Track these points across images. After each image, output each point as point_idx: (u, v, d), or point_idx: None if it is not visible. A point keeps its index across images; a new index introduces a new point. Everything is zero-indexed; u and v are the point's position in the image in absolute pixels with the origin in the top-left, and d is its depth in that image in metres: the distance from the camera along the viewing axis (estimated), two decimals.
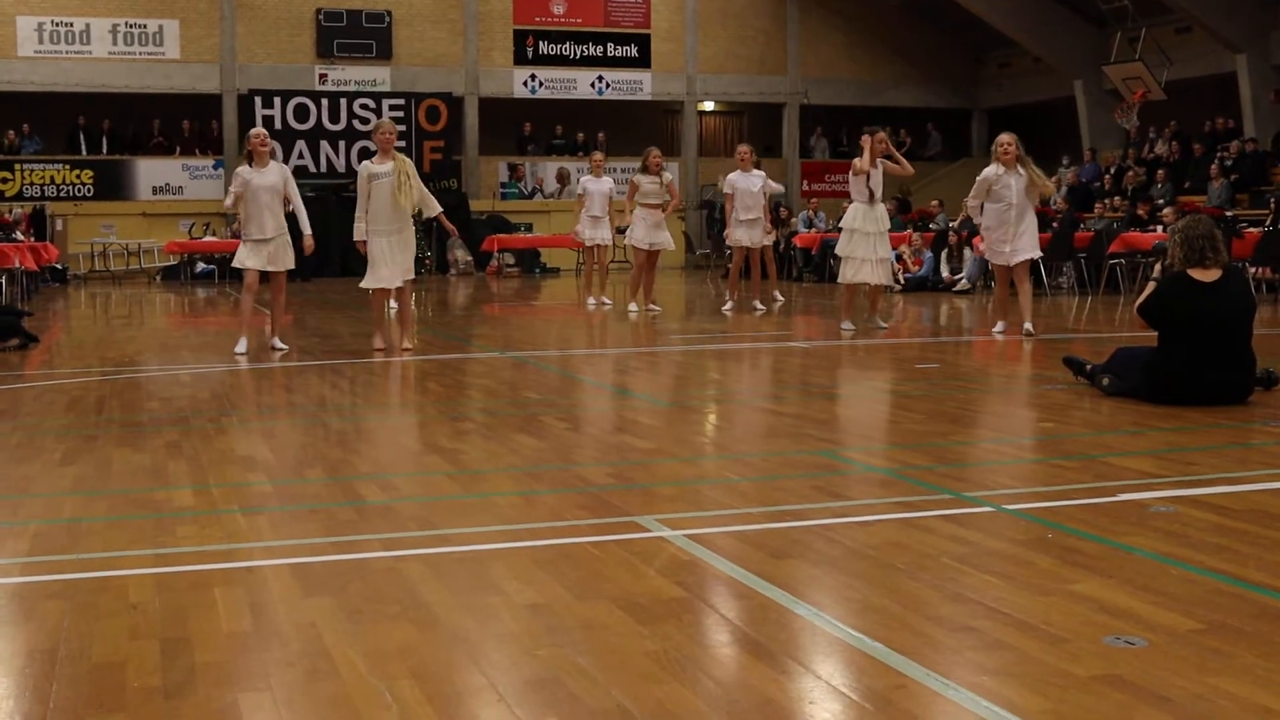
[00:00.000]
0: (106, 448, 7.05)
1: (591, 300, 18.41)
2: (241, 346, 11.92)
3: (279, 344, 12.14)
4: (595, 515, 5.30)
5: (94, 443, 7.24)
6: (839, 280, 14.10)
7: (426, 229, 23.15)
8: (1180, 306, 8.05)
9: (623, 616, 3.93)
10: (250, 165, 12.10)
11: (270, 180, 11.96)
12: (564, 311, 18.71)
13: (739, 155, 17.21)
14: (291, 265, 12.22)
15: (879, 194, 13.73)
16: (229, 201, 12.32)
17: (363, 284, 12.15)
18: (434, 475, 6.26)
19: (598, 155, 19.20)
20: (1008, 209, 12.87)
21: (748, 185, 17.04)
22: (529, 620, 3.92)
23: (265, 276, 12.24)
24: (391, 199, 11.74)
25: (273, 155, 12.26)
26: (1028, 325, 12.96)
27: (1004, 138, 13.07)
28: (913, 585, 4.23)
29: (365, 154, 30.81)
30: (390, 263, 11.89)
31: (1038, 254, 13.45)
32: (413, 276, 12.26)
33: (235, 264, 12.22)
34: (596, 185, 18.41)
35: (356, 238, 11.91)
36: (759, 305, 17.41)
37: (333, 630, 3.83)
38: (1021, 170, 12.91)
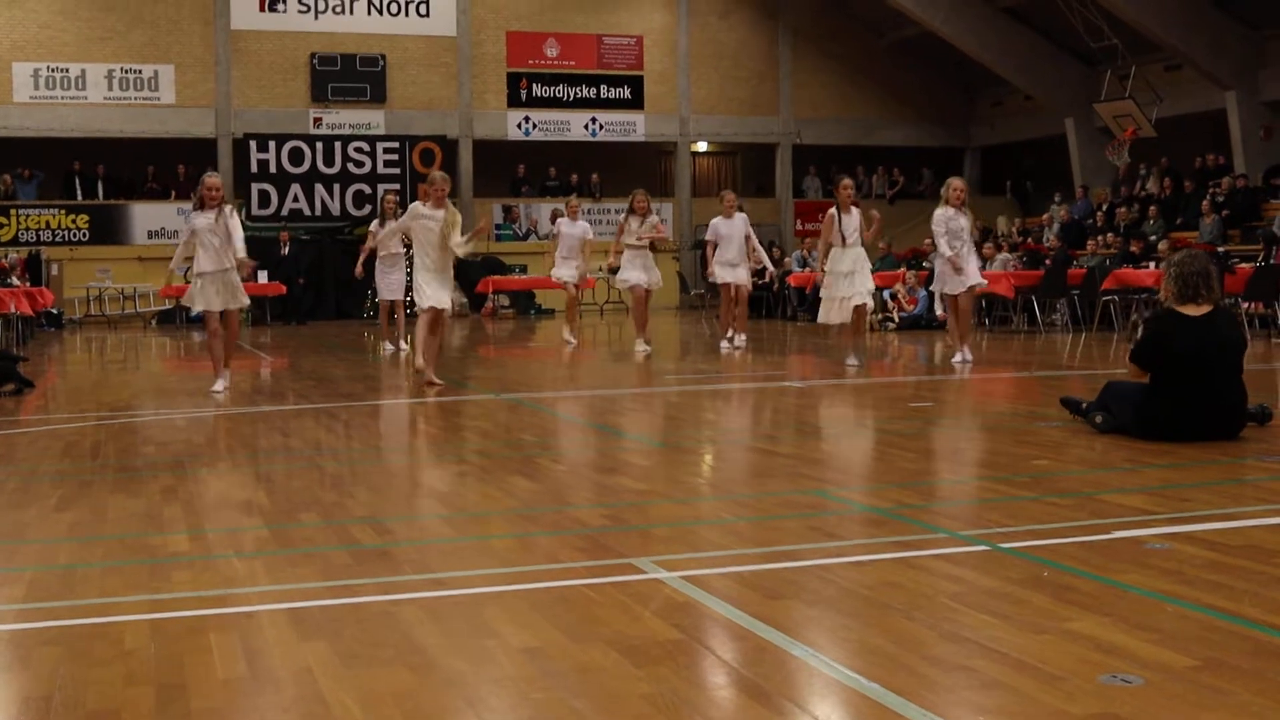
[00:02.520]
0: (102, 493, 7.04)
1: (570, 337, 18.65)
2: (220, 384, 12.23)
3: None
4: (591, 557, 5.29)
5: (89, 488, 7.23)
6: (822, 319, 14.70)
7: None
8: (1169, 342, 8.07)
9: (618, 659, 3.92)
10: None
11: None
12: (559, 353, 18.72)
13: (725, 201, 17.56)
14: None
15: (850, 239, 14.17)
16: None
17: (418, 306, 12.36)
18: (429, 518, 6.25)
19: (573, 200, 19.52)
20: (961, 245, 14.29)
21: (730, 231, 17.35)
22: (524, 664, 3.91)
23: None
24: (439, 241, 12.21)
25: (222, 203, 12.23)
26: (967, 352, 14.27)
27: (957, 182, 14.63)
28: (908, 625, 4.22)
29: (360, 197, 31.01)
30: (437, 287, 12.23)
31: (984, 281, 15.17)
32: (446, 308, 12.42)
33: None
34: (569, 228, 18.58)
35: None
36: (728, 343, 17.38)
37: (328, 675, 3.82)
38: (967, 210, 14.43)
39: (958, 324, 14.77)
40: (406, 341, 17.33)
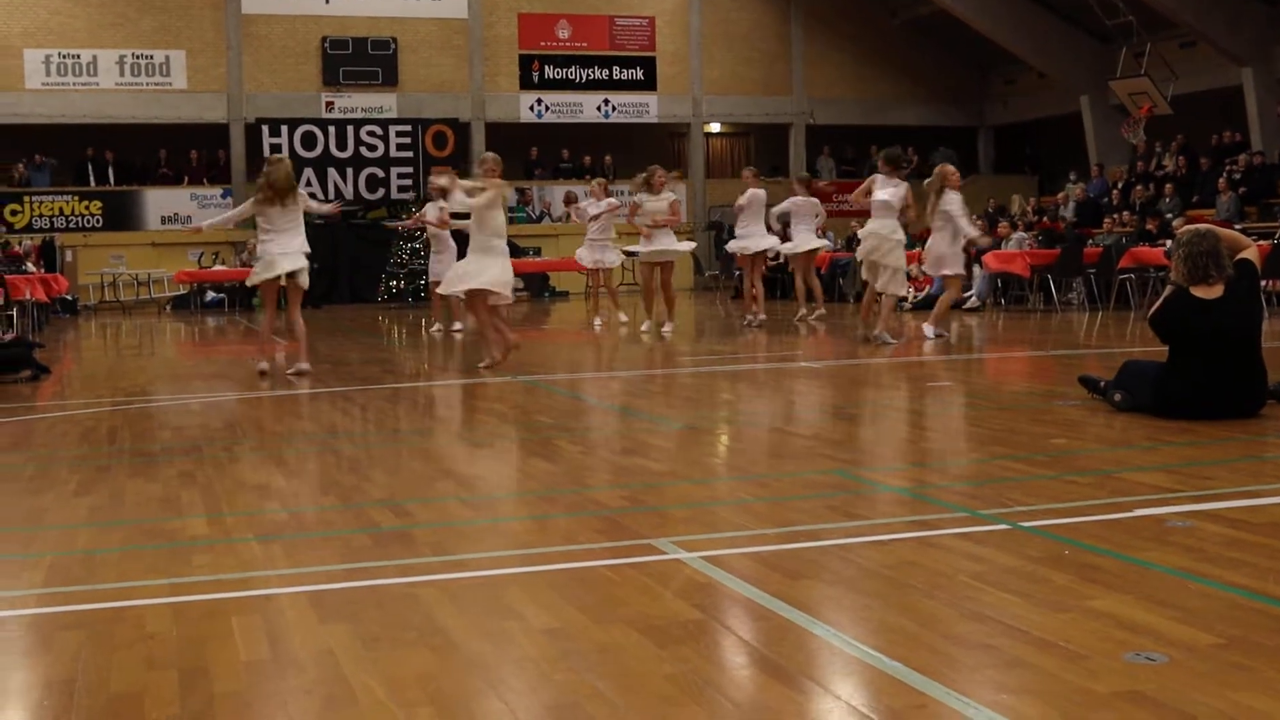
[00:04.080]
0: (120, 478, 7.06)
1: (597, 321, 18.57)
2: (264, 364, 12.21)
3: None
4: (610, 538, 5.29)
5: (107, 473, 7.25)
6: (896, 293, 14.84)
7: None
8: (1185, 324, 8.04)
9: (640, 639, 3.92)
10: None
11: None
12: (574, 335, 18.72)
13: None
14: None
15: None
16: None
17: (462, 288, 12.35)
18: (448, 500, 6.26)
19: (598, 181, 19.45)
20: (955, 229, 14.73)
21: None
22: (546, 645, 3.91)
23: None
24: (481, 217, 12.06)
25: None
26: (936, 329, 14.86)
27: (953, 168, 15.02)
28: (930, 604, 4.22)
29: (373, 181, 31.03)
30: (480, 270, 12.05)
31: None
32: (488, 287, 12.14)
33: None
34: (596, 209, 18.46)
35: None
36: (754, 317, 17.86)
37: (350, 658, 3.83)
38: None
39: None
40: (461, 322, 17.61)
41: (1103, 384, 8.79)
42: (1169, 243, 19.34)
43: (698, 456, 7.74)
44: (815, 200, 18.68)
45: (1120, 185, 27.02)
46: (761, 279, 18.38)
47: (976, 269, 21.52)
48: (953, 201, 14.52)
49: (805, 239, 18.41)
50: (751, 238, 17.85)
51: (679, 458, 7.53)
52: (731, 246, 18.51)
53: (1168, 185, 25.38)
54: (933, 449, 7.89)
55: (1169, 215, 22.83)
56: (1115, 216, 24.11)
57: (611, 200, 18.35)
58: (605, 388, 11.53)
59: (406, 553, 5.17)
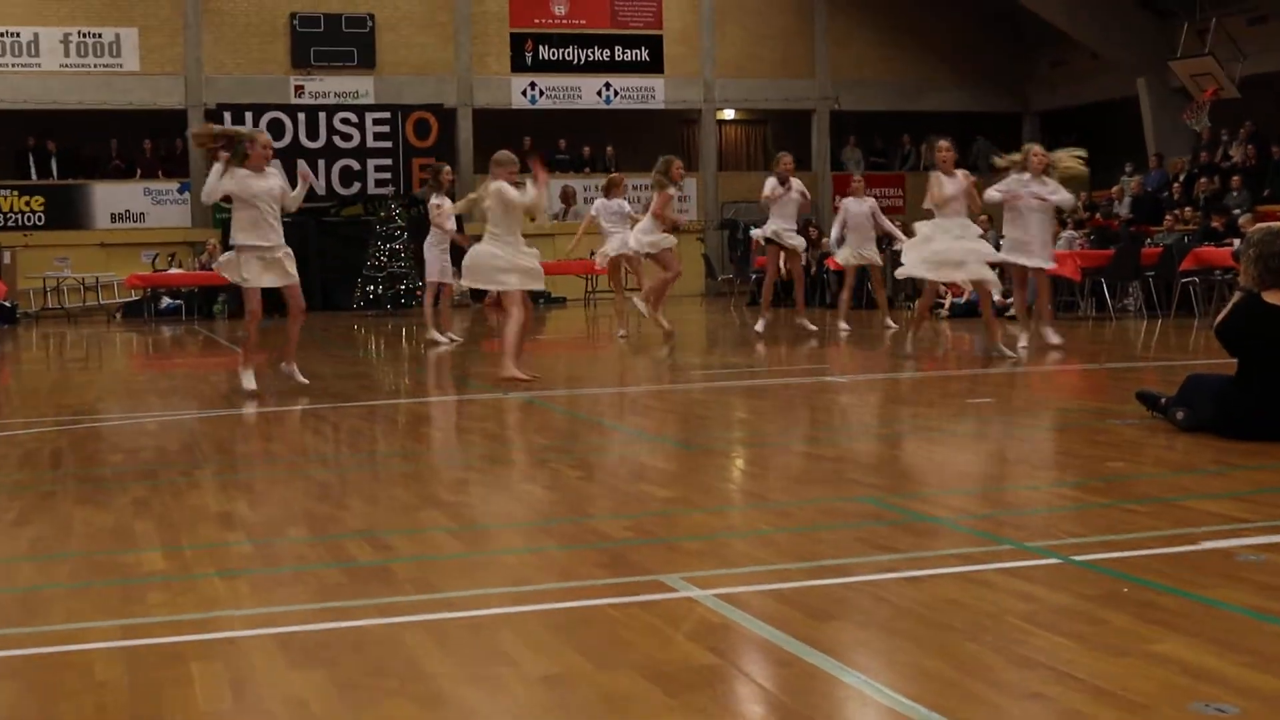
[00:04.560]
0: (66, 506, 7.06)
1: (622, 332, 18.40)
2: (252, 381, 11.92)
3: (298, 373, 12.29)
4: (614, 574, 5.29)
5: (51, 500, 7.25)
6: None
7: (418, 255, 23.22)
8: (1255, 334, 8.03)
9: (649, 687, 3.92)
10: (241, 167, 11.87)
11: (271, 185, 11.86)
12: (571, 346, 18.73)
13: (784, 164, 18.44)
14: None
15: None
16: (212, 196, 12.04)
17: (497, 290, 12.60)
18: (433, 531, 6.26)
19: (616, 176, 19.63)
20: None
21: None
22: (544, 693, 3.91)
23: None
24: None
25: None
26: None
27: (1040, 148, 14.90)
28: (973, 648, 4.21)
29: (348, 174, 31.04)
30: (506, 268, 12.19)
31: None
32: (503, 287, 12.33)
33: (241, 281, 12.01)
34: (606, 205, 18.64)
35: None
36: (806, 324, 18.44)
37: (324, 708, 3.83)
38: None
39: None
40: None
41: (1163, 400, 8.79)
42: (1237, 242, 19.37)
43: (711, 482, 7.74)
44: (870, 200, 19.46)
45: (1182, 178, 27.03)
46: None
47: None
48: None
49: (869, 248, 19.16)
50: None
51: (690, 483, 7.53)
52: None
53: (1235, 177, 25.38)
54: (974, 474, 7.89)
55: (1236, 211, 22.82)
56: (1176, 213, 24.12)
57: (626, 205, 18.37)
58: (608, 404, 11.53)
59: (387, 590, 5.17)
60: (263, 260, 11.82)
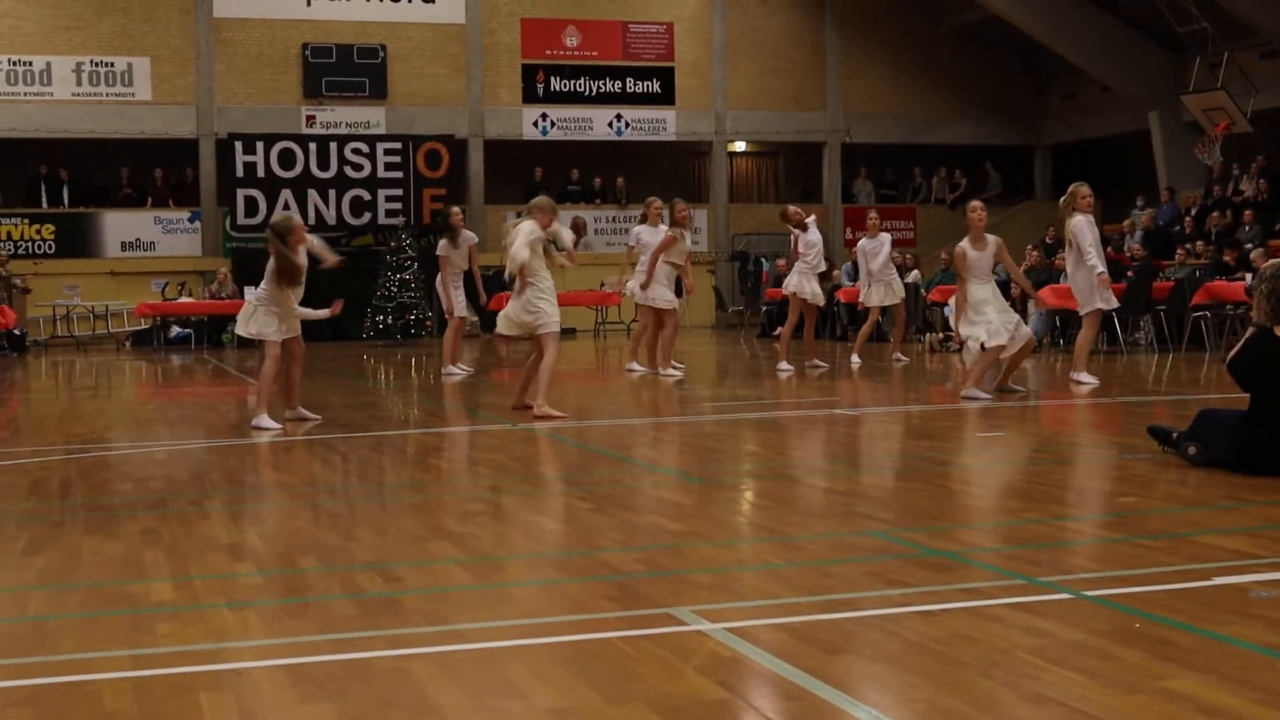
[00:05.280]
0: (75, 535, 7.06)
1: (637, 366, 17.80)
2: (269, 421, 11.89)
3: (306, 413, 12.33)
4: (624, 607, 5.29)
5: (61, 530, 7.26)
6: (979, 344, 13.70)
7: (429, 287, 23.26)
8: (1268, 369, 8.03)
9: None
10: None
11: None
12: (581, 378, 18.74)
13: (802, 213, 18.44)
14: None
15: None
16: None
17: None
18: (442, 564, 6.26)
19: (656, 202, 18.17)
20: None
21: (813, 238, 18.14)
22: None
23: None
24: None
25: None
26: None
27: (1086, 188, 14.63)
28: (984, 683, 4.21)
29: (358, 204, 31.08)
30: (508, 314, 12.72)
31: None
32: (508, 332, 12.82)
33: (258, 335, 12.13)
34: (653, 236, 17.53)
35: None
36: (817, 363, 18.17)
37: None
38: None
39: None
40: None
41: (1175, 435, 8.78)
42: (1249, 277, 19.37)
43: (721, 515, 7.74)
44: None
45: (1194, 212, 27.03)
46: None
47: (1031, 305, 21.52)
48: (1080, 227, 14.35)
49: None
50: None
51: (700, 516, 7.52)
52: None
53: (1247, 212, 25.39)
54: (985, 508, 7.88)
55: (1248, 246, 22.82)
56: (1188, 247, 24.11)
57: (665, 228, 17.69)
58: (618, 436, 11.53)
59: (396, 622, 5.17)
60: (279, 317, 11.97)
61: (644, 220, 17.55)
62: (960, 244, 13.57)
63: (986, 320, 13.08)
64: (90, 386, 18.97)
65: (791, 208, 18.69)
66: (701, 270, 30.29)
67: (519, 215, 13.11)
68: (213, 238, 31.09)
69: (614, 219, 33.21)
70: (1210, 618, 4.90)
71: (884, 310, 19.60)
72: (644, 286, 17.16)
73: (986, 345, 13.08)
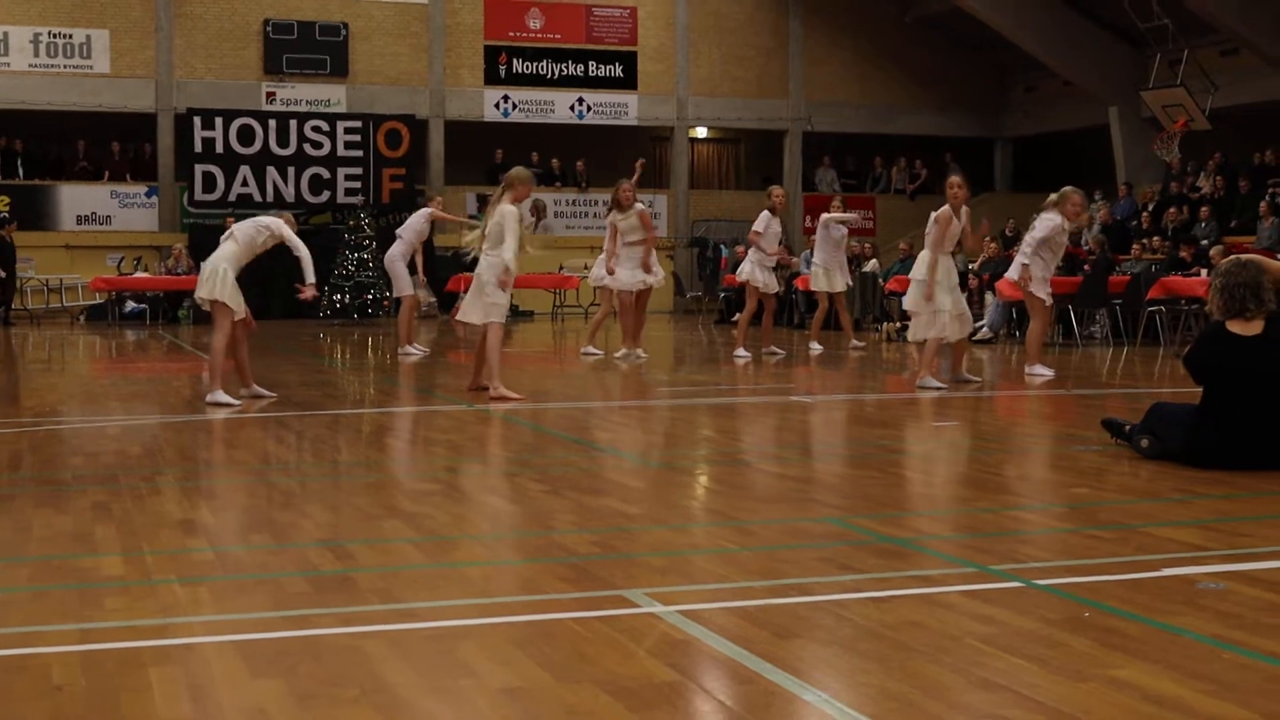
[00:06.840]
0: (24, 509, 7.02)
1: (593, 349, 17.95)
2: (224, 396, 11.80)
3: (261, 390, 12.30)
4: (577, 588, 5.30)
5: (10, 504, 7.22)
6: (914, 337, 14.05)
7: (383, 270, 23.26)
8: (1219, 363, 8.09)
9: (609, 702, 3.93)
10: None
11: None
12: (538, 360, 18.72)
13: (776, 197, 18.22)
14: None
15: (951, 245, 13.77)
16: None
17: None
18: (396, 542, 6.25)
19: (625, 186, 17.45)
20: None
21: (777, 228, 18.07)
22: (505, 706, 3.91)
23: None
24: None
25: None
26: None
27: (1079, 194, 14.44)
28: (934, 669, 4.23)
29: (317, 182, 30.91)
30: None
31: None
32: (468, 320, 12.64)
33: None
34: (627, 220, 17.33)
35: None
36: (775, 350, 18.25)
37: (284, 717, 3.82)
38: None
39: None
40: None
41: (1128, 428, 8.83)
42: (1205, 273, 19.50)
43: (676, 499, 7.75)
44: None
45: (1151, 207, 27.19)
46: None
47: (989, 297, 21.62)
48: (1046, 222, 14.22)
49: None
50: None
51: (654, 499, 7.54)
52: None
53: (1204, 208, 25.54)
54: (938, 496, 7.92)
55: (1204, 241, 22.97)
56: (1145, 242, 24.26)
57: (641, 207, 17.53)
58: (573, 419, 11.53)
59: (348, 600, 5.16)
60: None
61: (616, 205, 17.25)
62: (944, 209, 13.56)
63: (941, 323, 13.29)
64: (43, 360, 18.85)
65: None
66: (660, 256, 30.27)
67: (493, 195, 12.91)
68: (170, 213, 30.90)
69: (574, 202, 33.21)
70: (1159, 608, 4.94)
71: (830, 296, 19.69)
72: (610, 271, 17.21)
73: (929, 336, 13.41)
